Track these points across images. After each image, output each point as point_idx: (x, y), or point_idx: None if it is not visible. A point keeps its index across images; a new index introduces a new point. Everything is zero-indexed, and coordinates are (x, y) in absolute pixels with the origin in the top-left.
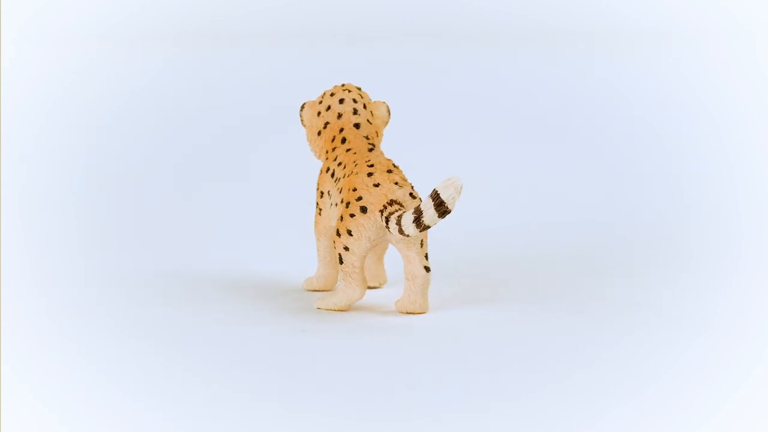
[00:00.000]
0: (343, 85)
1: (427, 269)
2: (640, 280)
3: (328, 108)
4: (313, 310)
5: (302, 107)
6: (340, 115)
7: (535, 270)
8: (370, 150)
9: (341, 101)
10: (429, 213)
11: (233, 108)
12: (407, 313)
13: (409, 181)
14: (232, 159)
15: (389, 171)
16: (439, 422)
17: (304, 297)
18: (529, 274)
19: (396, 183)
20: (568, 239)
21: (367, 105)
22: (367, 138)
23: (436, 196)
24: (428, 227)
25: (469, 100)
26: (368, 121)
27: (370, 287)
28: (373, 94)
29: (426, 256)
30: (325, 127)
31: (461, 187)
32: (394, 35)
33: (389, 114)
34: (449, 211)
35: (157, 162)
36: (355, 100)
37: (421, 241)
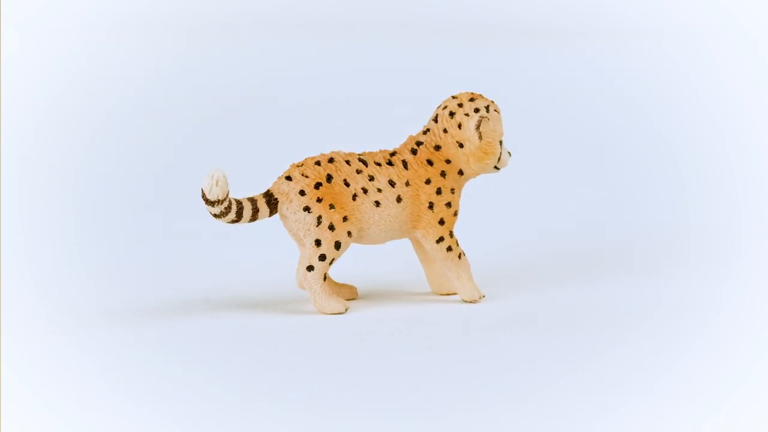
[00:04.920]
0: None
1: (309, 268)
2: (640, 280)
3: None
4: (313, 312)
5: None
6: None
7: (537, 270)
8: (392, 154)
9: (439, 106)
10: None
11: (236, 106)
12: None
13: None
14: (239, 159)
15: (317, 163)
16: (442, 423)
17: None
18: (531, 274)
19: (287, 177)
20: (568, 239)
21: (456, 113)
22: (417, 144)
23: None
24: (215, 216)
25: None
26: (445, 130)
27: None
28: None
29: (321, 257)
30: None
31: (214, 178)
32: (386, 28)
33: (476, 130)
34: (208, 201)
35: (159, 162)
36: (445, 107)
37: (317, 240)
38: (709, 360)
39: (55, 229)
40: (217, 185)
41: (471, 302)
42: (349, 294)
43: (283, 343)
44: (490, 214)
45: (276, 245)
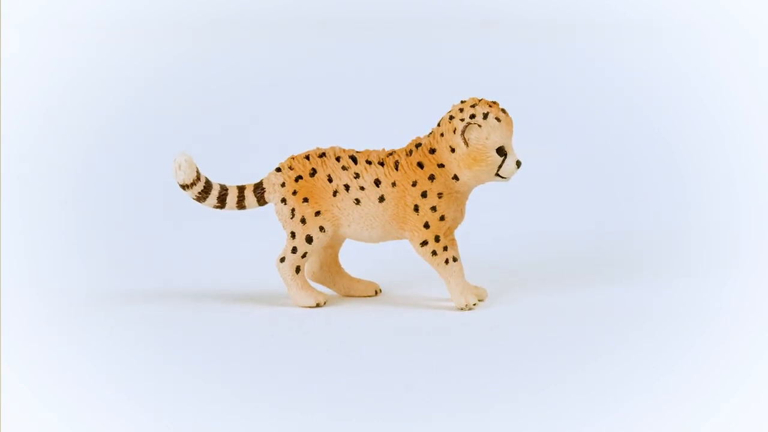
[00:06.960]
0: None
1: (282, 260)
2: (640, 281)
3: None
4: (313, 312)
5: None
6: None
7: (536, 270)
8: (389, 154)
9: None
10: None
11: (238, 106)
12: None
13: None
14: (243, 160)
15: (306, 157)
16: (441, 423)
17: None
18: (531, 274)
19: (277, 169)
20: (567, 240)
21: (455, 118)
22: (416, 146)
23: None
24: (194, 199)
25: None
26: (441, 134)
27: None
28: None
29: (293, 249)
30: None
31: (176, 162)
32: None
33: (461, 135)
34: (178, 184)
35: (159, 161)
36: (449, 111)
37: (292, 233)
38: (709, 360)
39: (54, 227)
40: (180, 169)
41: (461, 310)
42: (365, 291)
43: (282, 342)
44: (489, 215)
45: (278, 241)
